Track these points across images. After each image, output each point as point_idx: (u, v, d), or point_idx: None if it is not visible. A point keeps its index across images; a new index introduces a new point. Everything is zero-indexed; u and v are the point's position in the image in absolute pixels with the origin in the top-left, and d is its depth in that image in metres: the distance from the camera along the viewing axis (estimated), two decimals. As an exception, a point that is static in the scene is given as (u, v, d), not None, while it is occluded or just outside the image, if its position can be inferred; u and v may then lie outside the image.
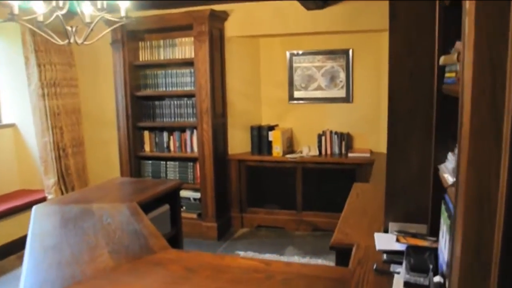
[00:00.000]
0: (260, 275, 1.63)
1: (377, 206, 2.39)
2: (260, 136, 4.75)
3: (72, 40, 2.43)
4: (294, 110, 4.93)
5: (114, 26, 2.80)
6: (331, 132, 4.65)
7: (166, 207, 3.18)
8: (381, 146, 4.47)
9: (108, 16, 2.46)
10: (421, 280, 1.41)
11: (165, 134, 4.83)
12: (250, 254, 4.08)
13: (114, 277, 1.64)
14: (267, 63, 4.96)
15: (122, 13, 2.55)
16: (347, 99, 4.72)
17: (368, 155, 4.44)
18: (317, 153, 4.67)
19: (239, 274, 1.66)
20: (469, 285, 0.90)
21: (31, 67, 4.42)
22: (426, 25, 1.77)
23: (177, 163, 4.79)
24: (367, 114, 4.65)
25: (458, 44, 1.29)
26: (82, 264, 1.76)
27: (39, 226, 2.38)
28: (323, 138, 4.66)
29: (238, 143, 4.88)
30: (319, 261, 3.84)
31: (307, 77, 4.83)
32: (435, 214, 1.68)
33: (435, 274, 1.43)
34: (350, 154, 4.52)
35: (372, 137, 4.65)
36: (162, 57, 4.72)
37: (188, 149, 4.74)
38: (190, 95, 4.61)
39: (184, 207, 4.60)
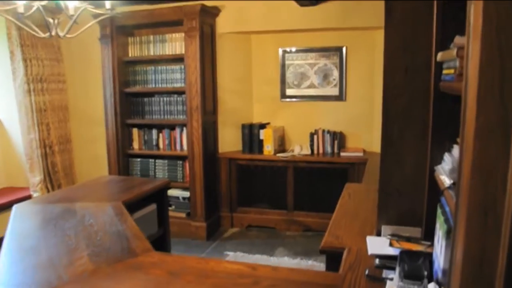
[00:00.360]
0: (245, 280, 1.55)
1: (369, 207, 2.33)
2: (251, 135, 4.66)
3: (54, 33, 2.33)
4: (286, 108, 4.85)
5: (99, 19, 2.71)
6: (323, 130, 4.57)
7: (153, 207, 3.10)
8: (374, 145, 4.42)
9: (91, 8, 2.37)
10: (415, 287, 1.35)
11: (154, 132, 4.74)
12: (239, 254, 4.00)
13: (91, 282, 1.55)
14: (259, 60, 4.87)
15: (107, 5, 2.46)
16: (340, 97, 4.64)
17: (361, 154, 4.38)
18: (309, 152, 4.59)
19: (223, 279, 1.58)
20: (470, 299, 0.82)
21: (16, 62, 4.29)
22: (422, 20, 1.72)
23: (166, 161, 4.70)
24: (360, 112, 4.58)
25: (458, 39, 1.23)
26: (59, 268, 1.67)
27: (18, 226, 2.29)
28: (315, 137, 4.59)
29: (229, 141, 4.79)
30: (310, 263, 3.77)
31: (299, 75, 4.75)
32: (430, 217, 1.62)
33: (429, 281, 1.36)
34: (342, 154, 4.45)
35: (365, 136, 4.58)
36: (151, 53, 4.63)
37: (178, 147, 4.65)
38: (180, 92, 4.52)
39: (173, 206, 4.52)
